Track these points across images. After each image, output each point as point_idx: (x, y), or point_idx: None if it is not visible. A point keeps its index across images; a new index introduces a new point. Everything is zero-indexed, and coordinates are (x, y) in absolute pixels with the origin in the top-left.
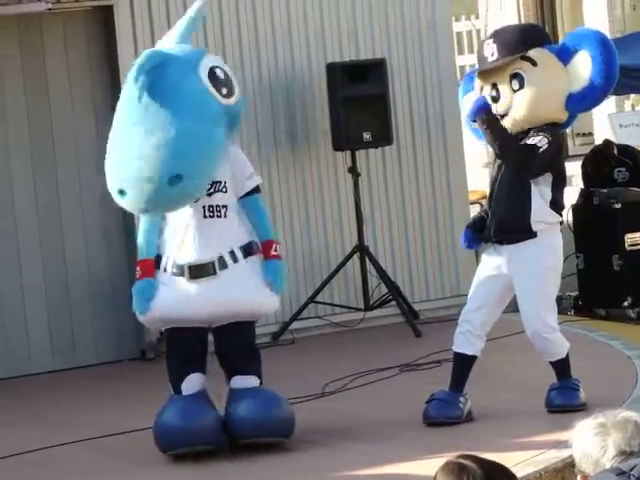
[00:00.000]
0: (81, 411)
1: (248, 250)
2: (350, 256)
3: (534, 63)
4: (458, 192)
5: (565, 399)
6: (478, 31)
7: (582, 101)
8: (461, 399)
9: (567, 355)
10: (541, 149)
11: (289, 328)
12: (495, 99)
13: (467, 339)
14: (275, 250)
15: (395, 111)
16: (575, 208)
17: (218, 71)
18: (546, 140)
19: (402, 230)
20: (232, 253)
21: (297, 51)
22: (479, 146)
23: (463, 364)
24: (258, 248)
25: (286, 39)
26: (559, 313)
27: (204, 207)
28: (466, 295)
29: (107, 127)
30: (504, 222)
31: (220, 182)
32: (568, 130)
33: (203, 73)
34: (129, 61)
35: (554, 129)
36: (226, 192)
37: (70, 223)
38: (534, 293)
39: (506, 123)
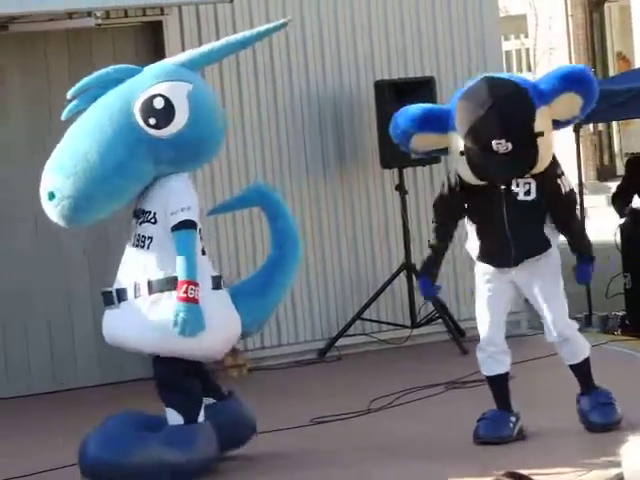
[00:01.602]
0: None
1: (158, 286)
2: (397, 273)
3: (542, 135)
4: None
5: (604, 417)
6: (527, 50)
7: (561, 127)
8: (512, 418)
9: (589, 357)
10: (572, 187)
11: (335, 345)
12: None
13: (495, 360)
14: (185, 292)
15: None
16: (623, 228)
17: (157, 100)
18: (565, 175)
19: (449, 248)
20: (138, 286)
21: (345, 69)
22: None
23: (500, 384)
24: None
25: (335, 57)
26: (606, 332)
27: (135, 235)
28: (512, 313)
29: None
30: (526, 245)
31: (149, 212)
32: (616, 150)
33: (137, 100)
34: None
35: (555, 156)
36: (155, 223)
37: (117, 234)
38: (555, 296)
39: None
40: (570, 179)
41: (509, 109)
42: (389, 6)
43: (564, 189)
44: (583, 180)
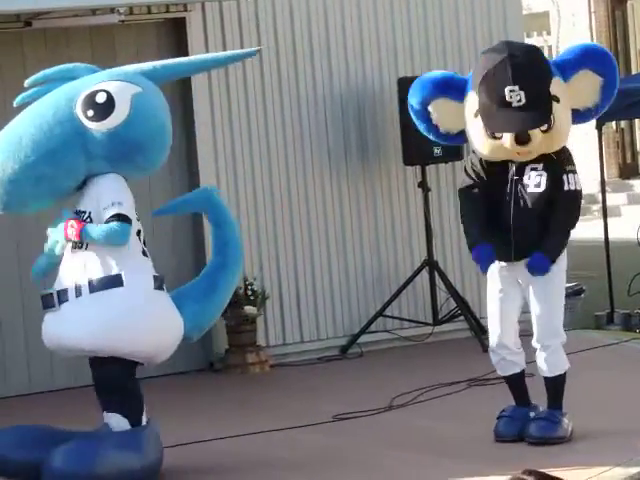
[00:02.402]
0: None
1: (99, 285)
2: (419, 270)
3: (557, 100)
4: None
5: (543, 431)
6: (550, 47)
7: (583, 119)
8: (531, 413)
9: (565, 374)
10: (580, 194)
11: (357, 341)
12: (523, 142)
13: (508, 362)
14: (71, 226)
15: None
16: None
17: (100, 95)
18: (577, 175)
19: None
20: (79, 287)
21: (369, 66)
22: None
23: (517, 382)
24: (120, 282)
25: (358, 54)
26: (628, 330)
27: None
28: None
29: (177, 137)
30: (529, 240)
31: (85, 212)
32: (639, 148)
33: (83, 92)
34: (200, 73)
35: (571, 155)
36: (91, 222)
37: None
38: (549, 301)
39: (524, 157)
40: (582, 179)
41: (525, 60)
42: (412, 3)
43: (567, 186)
44: (606, 178)
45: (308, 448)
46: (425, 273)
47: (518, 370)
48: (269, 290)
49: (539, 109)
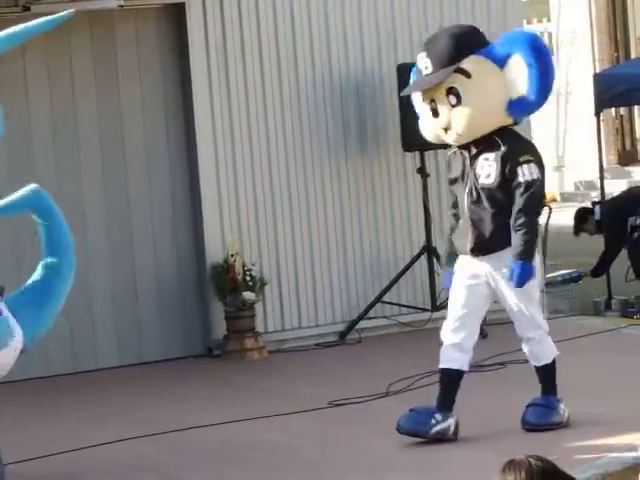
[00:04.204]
0: (147, 407)
1: None
2: (418, 257)
3: (468, 75)
4: None
5: (539, 418)
6: (550, 34)
7: (521, 109)
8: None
9: (554, 362)
10: (536, 183)
11: (356, 327)
12: (435, 113)
13: (452, 355)
14: None
15: None
16: None
17: None
18: (535, 168)
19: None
20: None
21: (368, 52)
22: (548, 149)
23: (448, 380)
24: None
25: (357, 40)
26: (625, 316)
27: None
28: None
29: (177, 123)
30: (483, 237)
31: None
32: (638, 134)
33: None
34: (200, 58)
35: (530, 144)
36: None
37: (139, 219)
38: (521, 295)
39: (449, 137)
40: (581, 165)
41: (444, 33)
42: None
43: (522, 177)
44: (604, 165)
45: (305, 433)
46: (424, 259)
47: (455, 367)
48: (268, 276)
49: (438, 71)
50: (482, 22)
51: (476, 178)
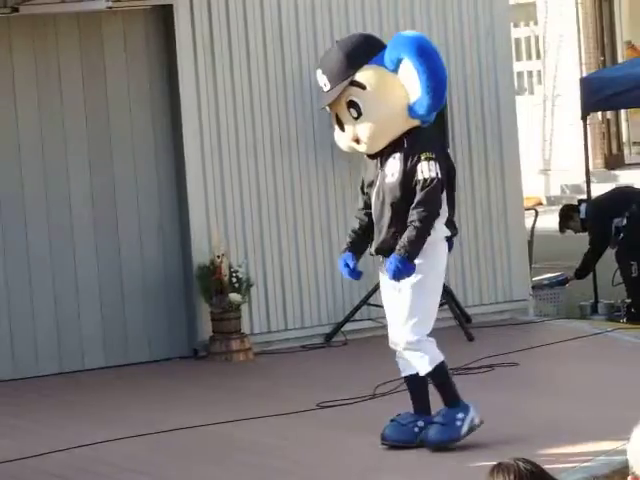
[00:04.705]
0: (133, 407)
1: None
2: None
3: (363, 87)
4: (513, 197)
5: (435, 436)
6: (537, 37)
7: (419, 112)
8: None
9: (437, 372)
10: (435, 181)
11: (342, 330)
12: (342, 127)
13: (400, 360)
14: None
15: (452, 116)
16: (629, 216)
17: None
18: (435, 165)
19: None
20: None
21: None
22: (535, 152)
23: (410, 386)
24: None
25: (345, 34)
26: (612, 320)
27: None
28: (519, 300)
29: (164, 123)
30: (380, 237)
31: None
32: (625, 138)
33: None
34: (187, 60)
35: (429, 142)
36: None
37: (125, 219)
38: (400, 303)
39: (361, 148)
40: (568, 169)
41: (336, 46)
42: None
43: (422, 174)
44: (590, 168)
45: (291, 435)
46: None
47: (409, 373)
48: (254, 278)
49: (329, 91)
50: (469, 24)
51: (383, 178)
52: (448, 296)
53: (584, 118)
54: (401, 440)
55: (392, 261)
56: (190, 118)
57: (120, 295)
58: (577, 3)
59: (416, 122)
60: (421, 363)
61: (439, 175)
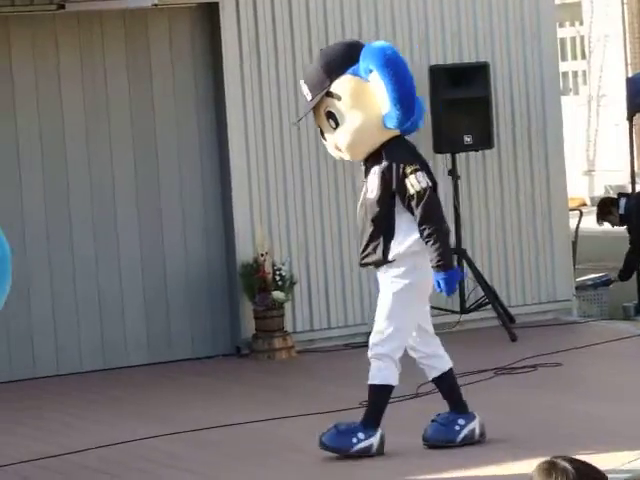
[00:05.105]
0: (175, 405)
1: None
2: None
3: (338, 97)
4: (558, 198)
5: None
6: (582, 37)
7: (392, 123)
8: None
9: (376, 391)
10: (428, 190)
11: None
12: (323, 136)
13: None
14: None
15: (497, 115)
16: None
17: None
18: (422, 176)
19: (500, 234)
20: None
21: (400, 53)
22: (579, 153)
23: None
24: None
25: (390, 41)
26: (625, 319)
27: None
28: (563, 301)
29: (209, 122)
30: (363, 250)
31: None
32: None
33: None
34: (233, 58)
35: (410, 152)
36: None
37: (170, 219)
38: (381, 312)
39: (345, 156)
40: (613, 170)
41: (318, 55)
42: None
43: (413, 188)
44: (636, 169)
45: None
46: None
47: (435, 375)
48: (297, 276)
49: (312, 98)
50: (515, 24)
51: (365, 193)
52: (492, 296)
53: (630, 118)
54: (442, 440)
55: (439, 280)
56: (235, 116)
57: (164, 293)
58: (623, 3)
59: (395, 132)
60: (378, 375)
61: (429, 183)
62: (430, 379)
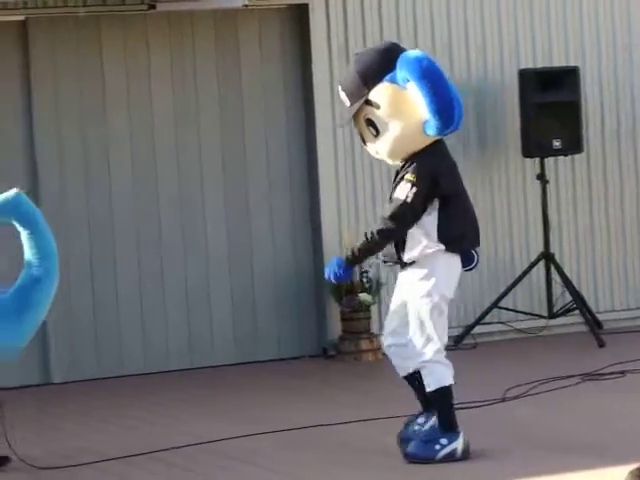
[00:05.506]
0: (261, 404)
1: None
2: (535, 263)
3: (377, 106)
4: None
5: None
6: None
7: (432, 131)
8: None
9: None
10: (404, 206)
11: (471, 332)
12: (364, 142)
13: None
14: None
15: (587, 120)
16: None
17: None
18: (410, 190)
19: (589, 239)
20: None
21: (490, 57)
22: None
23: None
24: None
25: (479, 44)
26: None
27: None
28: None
29: (297, 123)
30: (388, 254)
31: None
32: None
33: None
34: (323, 60)
35: (423, 165)
36: None
37: (258, 218)
38: (396, 310)
39: (389, 162)
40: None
41: (353, 61)
42: None
43: (395, 193)
44: None
45: None
46: (541, 266)
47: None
48: (384, 278)
49: (351, 106)
50: (606, 28)
51: (392, 194)
52: (579, 301)
53: None
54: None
55: (335, 260)
56: (324, 117)
57: (251, 293)
58: None
59: (431, 139)
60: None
61: (409, 200)
62: (402, 376)
